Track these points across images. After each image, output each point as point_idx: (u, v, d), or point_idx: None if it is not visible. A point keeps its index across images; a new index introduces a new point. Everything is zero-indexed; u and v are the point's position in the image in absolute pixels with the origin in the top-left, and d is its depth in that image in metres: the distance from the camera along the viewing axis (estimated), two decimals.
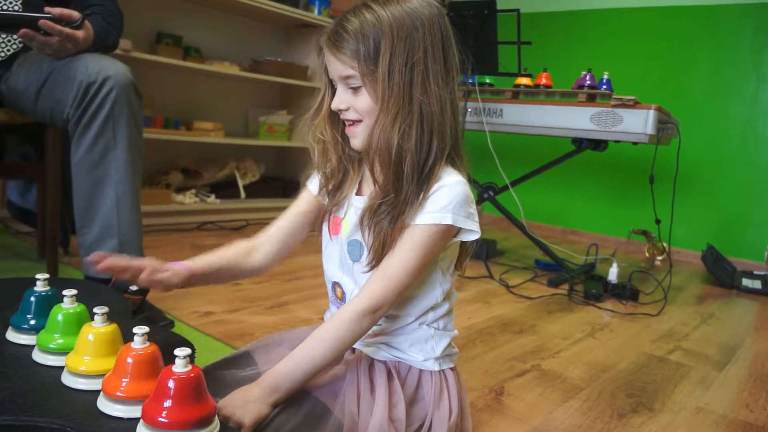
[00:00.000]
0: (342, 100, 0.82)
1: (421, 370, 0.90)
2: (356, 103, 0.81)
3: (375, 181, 0.84)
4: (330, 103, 0.86)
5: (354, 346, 0.91)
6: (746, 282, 2.64)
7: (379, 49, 0.78)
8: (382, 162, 0.81)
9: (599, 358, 1.58)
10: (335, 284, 0.94)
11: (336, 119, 0.87)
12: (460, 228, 0.83)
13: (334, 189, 0.91)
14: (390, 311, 0.87)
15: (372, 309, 0.80)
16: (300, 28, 3.43)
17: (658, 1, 3.36)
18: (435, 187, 0.81)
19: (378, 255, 0.83)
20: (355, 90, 0.81)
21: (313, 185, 0.96)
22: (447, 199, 0.81)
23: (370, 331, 0.86)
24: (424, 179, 0.81)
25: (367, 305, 0.80)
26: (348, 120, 0.84)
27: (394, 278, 0.81)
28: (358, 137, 0.84)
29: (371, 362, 0.90)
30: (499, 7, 2.41)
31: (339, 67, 0.80)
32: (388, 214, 0.81)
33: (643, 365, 1.57)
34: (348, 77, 0.80)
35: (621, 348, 1.69)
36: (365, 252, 0.86)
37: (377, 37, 0.78)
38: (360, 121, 0.82)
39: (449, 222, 0.81)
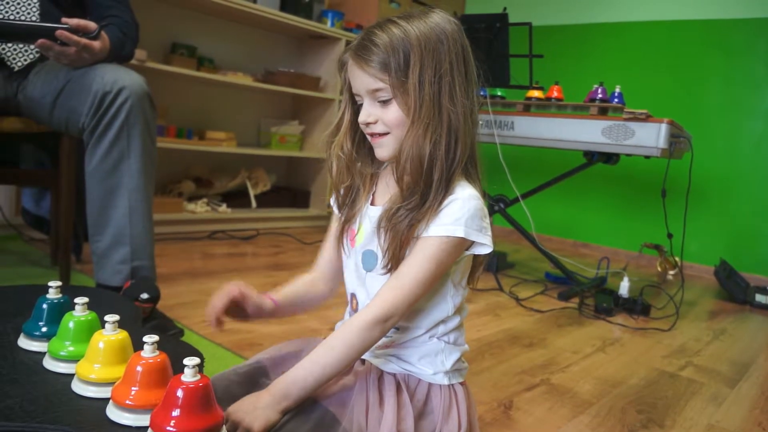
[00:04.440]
0: (370, 113, 0.82)
1: (430, 384, 0.90)
2: (385, 116, 0.82)
3: (401, 187, 0.84)
4: (350, 119, 0.87)
5: (363, 357, 0.91)
6: (759, 298, 2.61)
7: (408, 62, 0.79)
8: (413, 170, 0.81)
9: (609, 373, 1.57)
10: (353, 295, 0.94)
11: (353, 135, 0.88)
12: (473, 241, 0.83)
13: (350, 204, 0.92)
14: (400, 323, 0.87)
15: (383, 318, 0.81)
16: (313, 39, 3.46)
17: (670, 15, 3.35)
18: (449, 199, 0.82)
19: (394, 258, 0.83)
20: (384, 103, 0.82)
21: (335, 206, 0.97)
22: (460, 212, 0.81)
23: (380, 343, 0.86)
24: (447, 187, 0.82)
25: (378, 314, 0.80)
26: (375, 133, 0.84)
27: (405, 288, 0.81)
28: (384, 147, 0.84)
29: (381, 374, 0.89)
30: (511, 20, 2.42)
31: (367, 80, 0.81)
32: (406, 218, 0.82)
33: (654, 381, 1.55)
34: (377, 90, 0.81)
35: (632, 363, 1.67)
36: (378, 260, 0.86)
37: (406, 50, 0.79)
38: (387, 133, 0.83)
39: (461, 235, 0.81)
